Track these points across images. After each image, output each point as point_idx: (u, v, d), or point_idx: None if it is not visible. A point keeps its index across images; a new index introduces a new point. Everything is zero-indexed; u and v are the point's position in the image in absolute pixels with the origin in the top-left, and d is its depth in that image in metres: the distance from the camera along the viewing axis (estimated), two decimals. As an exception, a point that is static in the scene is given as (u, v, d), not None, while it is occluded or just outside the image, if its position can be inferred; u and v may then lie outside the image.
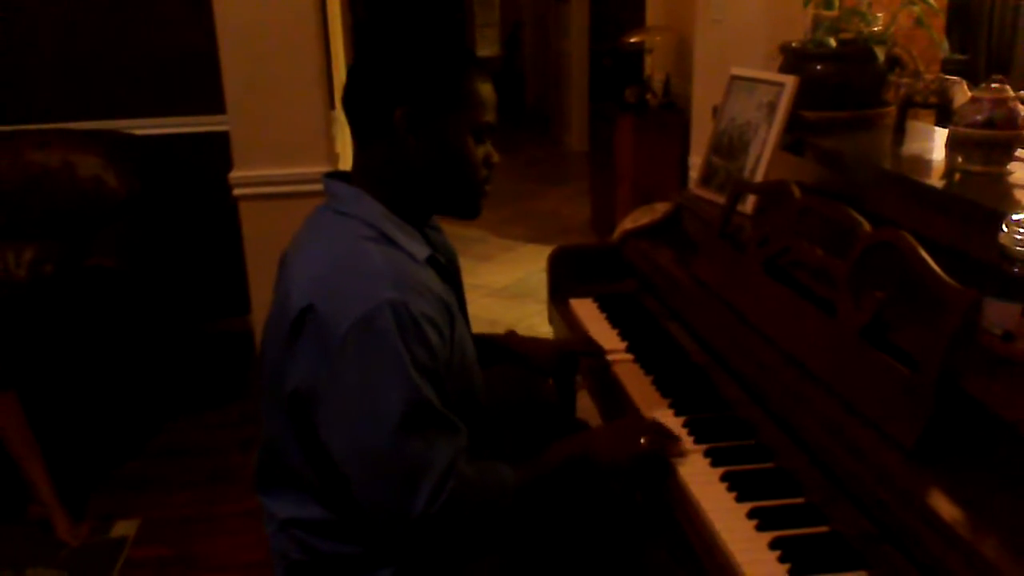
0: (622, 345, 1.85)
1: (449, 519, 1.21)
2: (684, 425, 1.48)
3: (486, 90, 1.35)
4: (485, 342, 1.68)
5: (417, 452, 1.19)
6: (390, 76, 1.31)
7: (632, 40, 4.70)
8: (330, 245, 1.29)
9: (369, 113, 1.33)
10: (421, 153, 1.31)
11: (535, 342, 1.83)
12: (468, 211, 1.40)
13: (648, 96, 4.56)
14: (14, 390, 2.43)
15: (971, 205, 1.49)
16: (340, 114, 3.47)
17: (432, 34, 1.37)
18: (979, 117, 1.59)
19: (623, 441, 1.39)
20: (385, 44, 1.33)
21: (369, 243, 1.27)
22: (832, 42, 2.06)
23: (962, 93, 1.85)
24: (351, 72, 1.36)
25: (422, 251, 1.32)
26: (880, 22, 2.07)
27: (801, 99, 1.97)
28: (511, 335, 1.83)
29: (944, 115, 1.92)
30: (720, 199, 2.01)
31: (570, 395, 2.00)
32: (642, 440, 1.38)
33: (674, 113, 4.44)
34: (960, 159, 1.65)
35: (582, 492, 1.42)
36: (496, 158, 1.39)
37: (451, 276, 1.42)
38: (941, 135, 1.82)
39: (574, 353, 1.81)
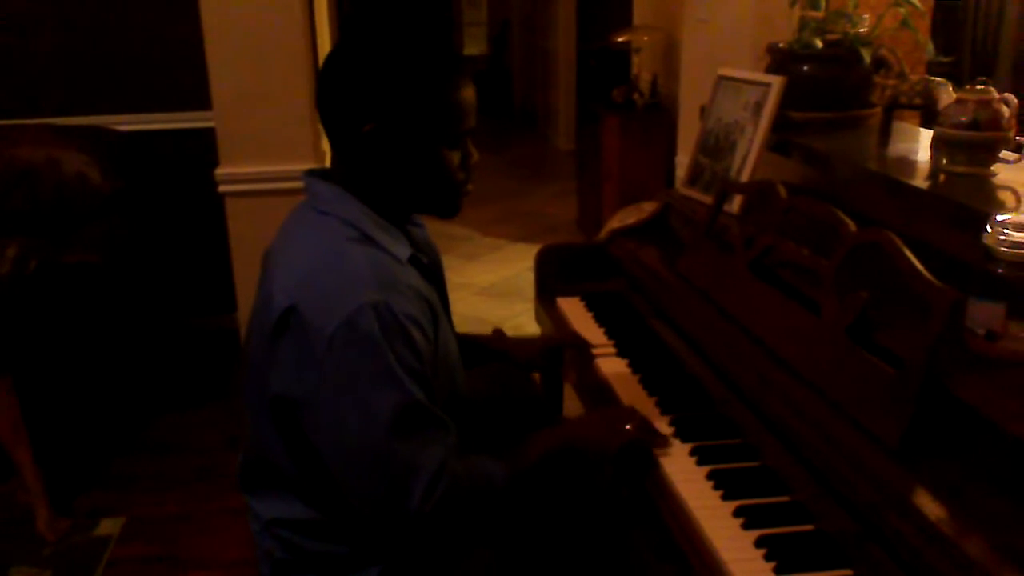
0: (609, 343, 1.85)
1: (442, 517, 1.21)
2: (671, 424, 1.48)
3: (467, 97, 1.30)
4: (469, 342, 1.68)
5: (408, 453, 1.19)
6: (359, 92, 1.27)
7: (620, 40, 4.70)
8: (312, 246, 1.28)
9: (338, 122, 1.30)
10: (391, 164, 1.29)
11: (520, 341, 1.83)
12: (446, 212, 1.37)
13: (635, 96, 4.57)
14: (10, 375, 2.44)
15: (956, 206, 1.50)
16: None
17: (409, 43, 1.32)
18: (964, 118, 1.61)
19: (609, 428, 1.40)
20: (357, 52, 1.28)
21: (351, 244, 1.26)
22: (818, 43, 2.07)
23: (947, 95, 1.86)
24: (321, 78, 1.32)
25: (404, 251, 1.31)
26: (866, 23, 2.09)
27: (787, 99, 1.98)
28: (498, 334, 1.83)
29: (929, 116, 1.93)
30: (707, 199, 2.02)
31: (556, 390, 2.00)
32: (628, 427, 1.40)
33: (661, 113, 4.45)
34: (945, 160, 1.66)
35: (569, 482, 1.42)
36: (476, 157, 1.36)
37: (434, 275, 1.42)
38: (926, 136, 1.83)
39: (559, 348, 1.81)
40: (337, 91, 1.29)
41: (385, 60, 1.27)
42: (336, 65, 1.30)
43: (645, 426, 1.42)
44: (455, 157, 1.32)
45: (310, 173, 1.37)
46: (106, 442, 2.93)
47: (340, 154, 1.34)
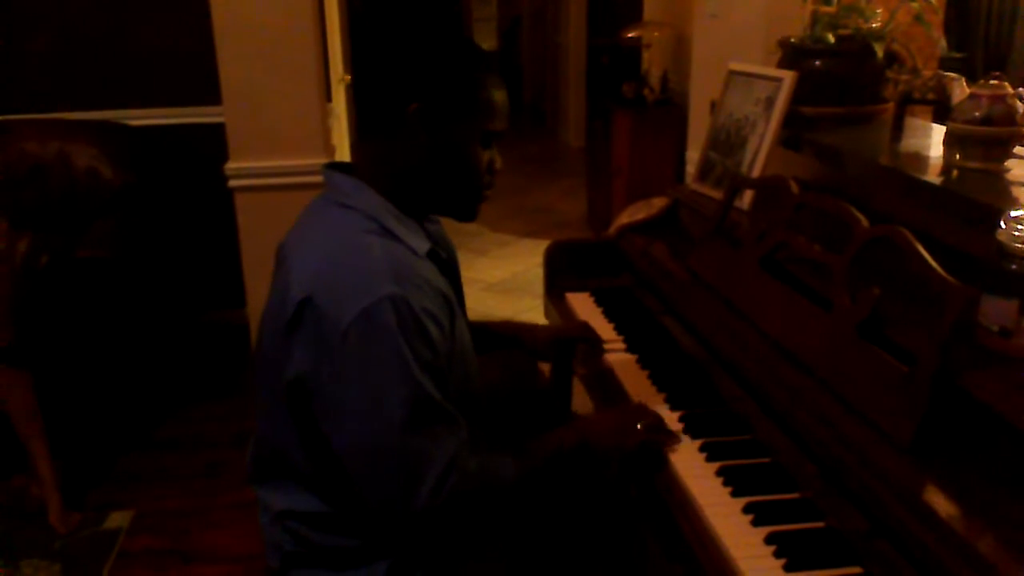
0: (618, 339, 1.84)
1: (451, 512, 1.21)
2: (680, 420, 1.48)
3: (500, 98, 1.33)
4: (481, 329, 1.68)
5: (420, 448, 1.19)
6: (410, 71, 1.29)
7: (630, 35, 4.69)
8: (330, 238, 1.28)
9: (382, 104, 1.31)
10: (427, 151, 1.30)
11: (532, 327, 1.83)
12: (465, 214, 1.39)
13: (645, 91, 4.56)
14: (28, 371, 2.45)
15: (969, 202, 1.49)
16: (336, 106, 3.43)
17: (448, 33, 1.35)
18: (977, 114, 1.59)
19: (624, 427, 1.40)
20: (405, 37, 1.31)
21: (370, 236, 1.26)
22: (831, 38, 2.06)
23: (960, 90, 1.85)
24: (368, 60, 1.34)
25: (423, 245, 1.31)
26: (879, 18, 2.07)
27: (799, 95, 1.97)
28: (507, 322, 1.83)
29: (942, 112, 1.92)
30: (717, 194, 2.01)
31: (566, 383, 2.00)
32: (639, 426, 1.40)
33: (671, 108, 4.44)
34: (958, 156, 1.65)
35: (581, 481, 1.42)
36: (500, 164, 1.38)
37: (450, 270, 1.42)
38: (939, 132, 1.82)
39: (572, 340, 1.81)
40: (386, 71, 1.30)
41: (433, 41, 1.30)
42: (384, 49, 1.31)
43: (658, 425, 1.42)
44: (484, 157, 1.34)
45: (329, 166, 1.37)
46: (116, 437, 2.95)
47: (370, 141, 1.34)
